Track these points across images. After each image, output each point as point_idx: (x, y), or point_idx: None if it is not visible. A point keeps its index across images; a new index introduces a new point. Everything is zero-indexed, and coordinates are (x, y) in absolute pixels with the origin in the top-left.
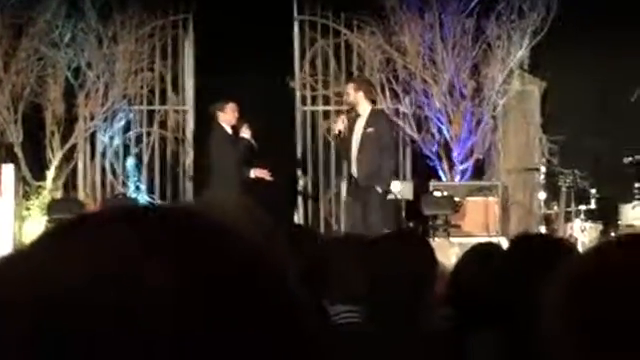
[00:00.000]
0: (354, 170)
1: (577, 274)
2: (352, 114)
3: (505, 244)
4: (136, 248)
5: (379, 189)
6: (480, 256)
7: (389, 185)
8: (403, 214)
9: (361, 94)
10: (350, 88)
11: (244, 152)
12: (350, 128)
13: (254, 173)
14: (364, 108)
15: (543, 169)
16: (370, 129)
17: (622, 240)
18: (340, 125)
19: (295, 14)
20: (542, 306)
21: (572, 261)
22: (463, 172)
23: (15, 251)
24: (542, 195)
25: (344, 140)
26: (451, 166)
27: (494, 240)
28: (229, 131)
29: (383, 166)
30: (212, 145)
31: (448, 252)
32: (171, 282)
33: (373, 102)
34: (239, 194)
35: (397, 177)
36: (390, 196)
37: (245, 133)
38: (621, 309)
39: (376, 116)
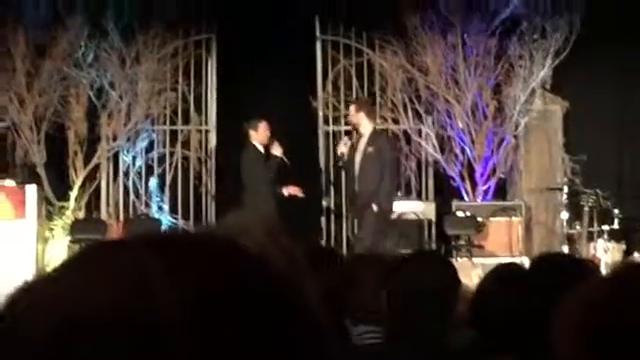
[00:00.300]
0: (357, 189)
1: (595, 296)
2: (355, 135)
3: (528, 264)
4: (159, 276)
5: (375, 207)
6: (502, 277)
7: (389, 203)
8: (425, 234)
9: (362, 114)
10: (352, 109)
11: (276, 170)
12: (354, 148)
13: (287, 191)
14: (366, 128)
15: (566, 189)
16: (370, 149)
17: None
18: (343, 147)
19: (318, 33)
20: (557, 324)
21: (590, 283)
22: (486, 192)
23: (42, 274)
24: (565, 215)
25: (348, 161)
26: (474, 186)
27: (517, 260)
28: (261, 149)
29: (383, 185)
30: (244, 164)
31: (470, 273)
32: (190, 311)
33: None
34: (269, 213)
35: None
36: (394, 215)
37: (276, 151)
38: (637, 332)
39: (377, 136)
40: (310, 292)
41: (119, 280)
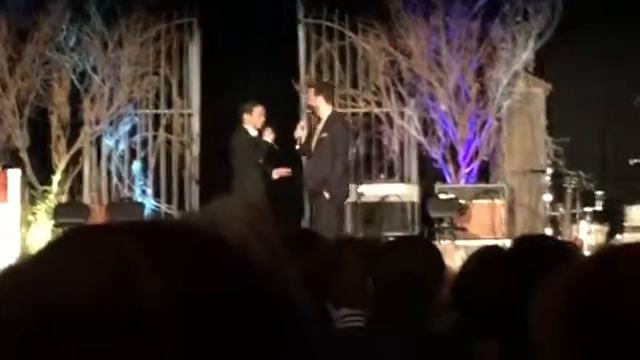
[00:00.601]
0: (305, 174)
1: (577, 278)
2: (313, 118)
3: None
4: (142, 264)
5: (327, 194)
6: (485, 259)
7: (342, 190)
8: (409, 217)
9: (321, 97)
10: (311, 92)
11: (266, 154)
12: (311, 132)
13: (277, 174)
14: (324, 112)
15: (548, 171)
16: (325, 134)
17: (625, 246)
18: (300, 131)
19: (300, 17)
20: (536, 306)
21: (572, 265)
22: (468, 174)
23: (23, 259)
24: (548, 197)
25: (305, 144)
26: (457, 168)
27: (500, 243)
28: (253, 133)
29: (334, 172)
30: (235, 147)
31: (453, 255)
32: (173, 301)
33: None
34: (257, 197)
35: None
36: (349, 200)
37: (268, 137)
38: (619, 315)
39: (333, 121)
40: (291, 282)
41: (102, 266)
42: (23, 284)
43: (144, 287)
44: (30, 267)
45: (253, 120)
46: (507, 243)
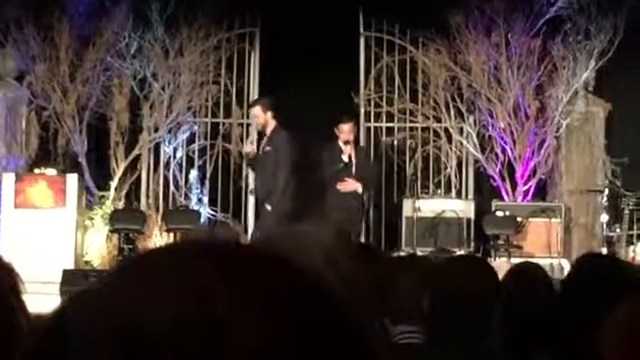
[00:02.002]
0: (251, 187)
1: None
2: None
3: (567, 266)
4: (220, 288)
5: (268, 207)
6: (525, 276)
7: (283, 203)
8: (464, 233)
9: (269, 114)
10: (257, 109)
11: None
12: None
13: (343, 186)
14: (270, 126)
15: (606, 191)
16: (268, 147)
17: None
18: (248, 147)
19: (361, 30)
20: (602, 340)
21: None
22: (526, 192)
23: (97, 281)
24: (604, 217)
25: (252, 159)
26: (514, 186)
27: (555, 262)
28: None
29: (275, 184)
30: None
31: None
32: (252, 323)
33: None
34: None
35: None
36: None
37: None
38: None
39: (276, 134)
40: (367, 317)
41: (183, 292)
42: (105, 306)
43: (225, 314)
44: (111, 289)
45: (344, 136)
46: (562, 262)
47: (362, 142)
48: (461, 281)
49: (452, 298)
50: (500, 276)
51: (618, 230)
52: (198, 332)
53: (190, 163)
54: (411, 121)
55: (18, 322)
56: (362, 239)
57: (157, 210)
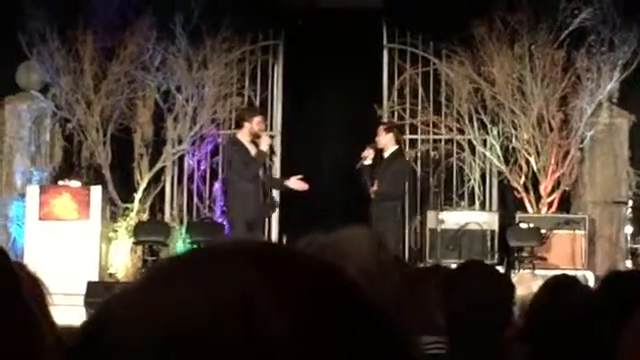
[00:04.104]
0: None
1: None
2: None
3: (591, 278)
4: (260, 291)
5: None
6: (558, 289)
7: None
8: (488, 245)
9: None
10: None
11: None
12: None
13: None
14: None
15: (630, 203)
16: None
17: None
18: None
19: (385, 42)
20: (625, 343)
21: None
22: (549, 204)
23: (137, 284)
24: (629, 229)
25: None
26: (538, 198)
27: (579, 273)
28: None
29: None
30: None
31: (531, 284)
32: (292, 327)
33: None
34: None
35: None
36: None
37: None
38: None
39: (227, 145)
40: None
41: (224, 295)
42: (147, 310)
43: (265, 317)
44: (151, 292)
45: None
46: (587, 274)
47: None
48: (476, 290)
49: (468, 307)
50: (522, 289)
51: None
52: (237, 333)
53: (214, 175)
54: (434, 133)
55: (42, 333)
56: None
57: (181, 222)
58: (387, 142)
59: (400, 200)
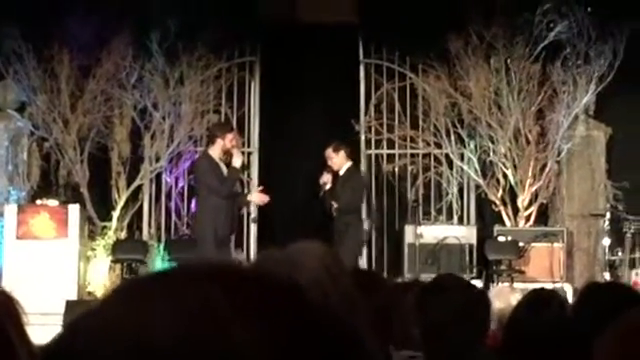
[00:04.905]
0: None
1: (633, 324)
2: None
3: (569, 290)
4: (225, 310)
5: None
6: (538, 303)
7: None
8: (467, 259)
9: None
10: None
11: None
12: None
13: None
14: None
15: (608, 215)
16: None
17: None
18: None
19: (361, 57)
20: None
21: (631, 315)
22: (527, 217)
23: (104, 300)
24: (607, 241)
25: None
26: (515, 211)
27: (558, 286)
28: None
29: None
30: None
31: (509, 297)
32: (257, 343)
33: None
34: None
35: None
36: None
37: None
38: None
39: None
40: (363, 327)
41: (191, 312)
42: (116, 325)
43: (227, 329)
44: (118, 309)
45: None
46: (565, 287)
47: (363, 169)
48: (448, 303)
49: (441, 320)
50: (500, 302)
51: (620, 254)
52: (201, 346)
53: (192, 192)
54: (412, 147)
55: (16, 353)
56: (365, 265)
57: (159, 240)
58: (339, 162)
59: (358, 213)
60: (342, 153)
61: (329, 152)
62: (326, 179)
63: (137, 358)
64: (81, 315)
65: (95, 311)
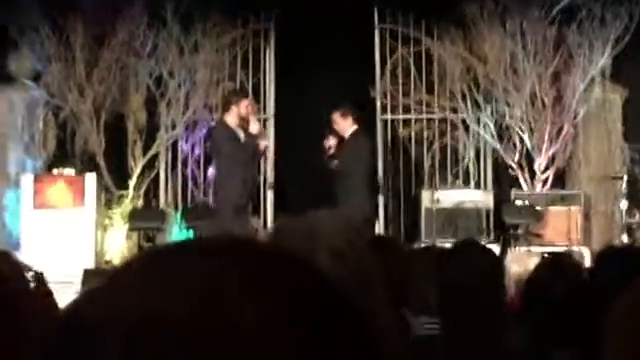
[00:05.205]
0: None
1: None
2: None
3: (587, 254)
4: (233, 285)
5: None
6: (554, 268)
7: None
8: (484, 223)
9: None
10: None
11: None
12: None
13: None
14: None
15: (625, 177)
16: None
17: None
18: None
19: (376, 22)
20: (609, 321)
21: None
22: (544, 181)
23: (114, 275)
24: (624, 204)
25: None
26: (532, 175)
27: (575, 250)
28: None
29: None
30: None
31: (527, 262)
32: (264, 319)
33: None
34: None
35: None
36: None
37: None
38: None
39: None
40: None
41: (199, 288)
42: (124, 299)
43: (234, 304)
44: (126, 283)
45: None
46: (583, 250)
47: (379, 135)
48: (465, 270)
49: (458, 288)
50: (518, 266)
51: (638, 217)
52: (218, 338)
53: (208, 160)
54: (428, 112)
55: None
56: (382, 231)
57: (176, 207)
58: (345, 127)
59: (361, 177)
60: (349, 119)
61: (336, 116)
62: (332, 142)
63: (143, 332)
64: (89, 290)
65: (104, 286)
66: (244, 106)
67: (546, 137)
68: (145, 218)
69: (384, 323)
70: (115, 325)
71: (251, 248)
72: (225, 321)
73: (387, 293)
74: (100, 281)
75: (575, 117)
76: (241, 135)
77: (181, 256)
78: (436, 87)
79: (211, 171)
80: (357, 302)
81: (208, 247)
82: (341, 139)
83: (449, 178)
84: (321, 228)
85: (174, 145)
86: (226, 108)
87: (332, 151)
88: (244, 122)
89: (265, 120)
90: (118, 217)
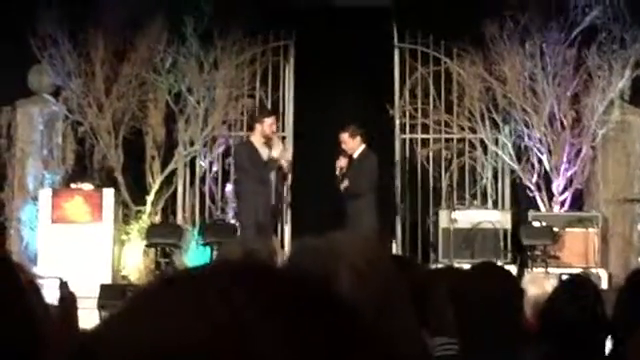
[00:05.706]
0: None
1: None
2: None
3: (604, 276)
4: (247, 313)
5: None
6: (571, 291)
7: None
8: (501, 244)
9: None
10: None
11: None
12: None
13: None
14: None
15: None
16: None
17: None
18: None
19: (395, 42)
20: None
21: None
22: (562, 202)
23: (130, 302)
24: None
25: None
26: (550, 196)
27: (592, 272)
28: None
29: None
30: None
31: (544, 283)
32: (280, 348)
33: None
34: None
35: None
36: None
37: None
38: None
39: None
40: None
41: (213, 319)
42: (137, 330)
43: (254, 338)
44: (143, 314)
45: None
46: (600, 272)
47: (397, 154)
48: (481, 290)
49: (474, 308)
50: (535, 288)
51: None
52: (229, 351)
53: (226, 177)
54: (446, 132)
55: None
56: (399, 251)
57: (193, 224)
58: (354, 146)
59: (370, 198)
60: (358, 138)
61: (344, 136)
62: (342, 163)
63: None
64: (103, 321)
65: (118, 314)
66: (268, 125)
67: (564, 158)
68: (162, 234)
69: (411, 349)
70: (128, 358)
71: (270, 277)
72: (242, 354)
73: (410, 316)
74: (116, 306)
75: (594, 139)
76: (264, 154)
77: (198, 285)
78: (455, 107)
79: (229, 188)
80: (382, 326)
81: (226, 276)
82: (350, 158)
83: (467, 198)
84: (342, 249)
85: (192, 161)
86: (251, 127)
87: (343, 171)
88: (268, 140)
89: (283, 138)
90: (135, 233)
